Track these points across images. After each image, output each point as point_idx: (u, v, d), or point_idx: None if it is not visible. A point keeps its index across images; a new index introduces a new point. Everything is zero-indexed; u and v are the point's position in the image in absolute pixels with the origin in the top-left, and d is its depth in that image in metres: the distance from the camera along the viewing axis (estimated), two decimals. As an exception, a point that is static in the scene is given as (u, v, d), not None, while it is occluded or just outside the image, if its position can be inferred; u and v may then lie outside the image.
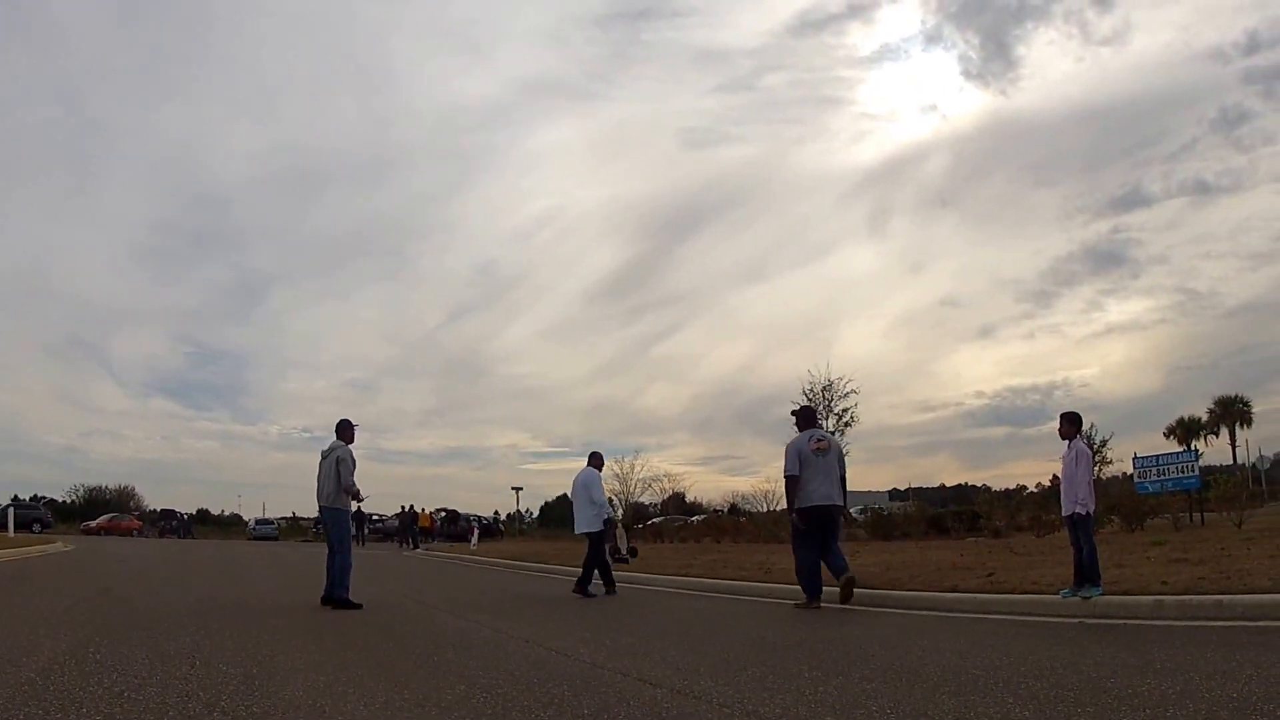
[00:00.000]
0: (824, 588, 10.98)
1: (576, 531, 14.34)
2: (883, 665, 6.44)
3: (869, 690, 5.46)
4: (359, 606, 10.74)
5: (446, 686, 5.66)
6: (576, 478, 14.42)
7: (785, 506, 11.86)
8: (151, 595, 12.46)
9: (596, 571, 14.04)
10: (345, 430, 11.59)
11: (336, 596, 10.88)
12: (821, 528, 11.04)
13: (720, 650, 7.42)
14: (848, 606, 10.76)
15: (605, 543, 14.20)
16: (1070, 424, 10.05)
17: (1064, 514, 9.96)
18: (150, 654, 6.74)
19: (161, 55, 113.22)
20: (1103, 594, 9.15)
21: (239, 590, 14.10)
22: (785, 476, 11.23)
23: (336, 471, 11.15)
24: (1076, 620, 8.65)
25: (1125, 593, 9.20)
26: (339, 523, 11.39)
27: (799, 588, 11.14)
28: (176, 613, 9.93)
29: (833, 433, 39.34)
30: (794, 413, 12.06)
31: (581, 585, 13.71)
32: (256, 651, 7.03)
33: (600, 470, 14.73)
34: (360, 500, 11.61)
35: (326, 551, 11.30)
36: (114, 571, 18.44)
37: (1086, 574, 9.38)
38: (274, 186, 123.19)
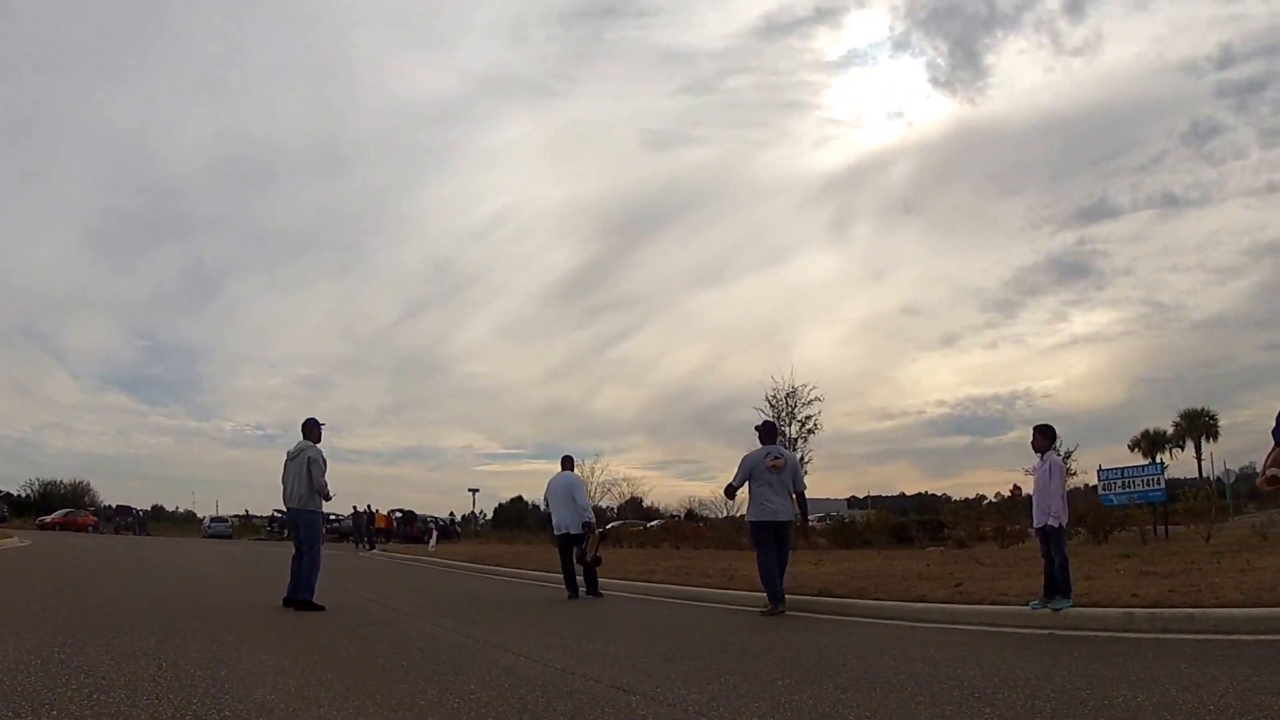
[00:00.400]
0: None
1: (557, 533, 14.40)
2: (855, 675, 6.42)
3: (844, 700, 5.43)
4: (322, 609, 10.59)
5: (418, 691, 5.58)
6: (554, 480, 14.55)
7: (744, 513, 12.31)
8: (112, 593, 12.24)
9: (564, 575, 14.29)
10: (313, 430, 11.40)
11: (300, 598, 10.72)
12: (769, 540, 11.29)
13: (691, 657, 7.38)
14: (803, 613, 11.04)
15: (583, 545, 14.27)
16: (1043, 436, 10.05)
17: (1035, 526, 9.95)
18: (116, 655, 6.60)
19: (113, 38, 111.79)
20: (1073, 606, 9.18)
21: (199, 589, 13.90)
22: (729, 485, 11.74)
23: (308, 472, 10.97)
24: (1046, 632, 8.68)
25: (1095, 605, 9.25)
26: (311, 525, 11.22)
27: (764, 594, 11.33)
28: (139, 612, 9.75)
29: (795, 439, 39.73)
30: (758, 427, 12.30)
31: (591, 586, 14.11)
32: (222, 653, 6.90)
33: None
34: (328, 499, 11.44)
35: (293, 552, 11.13)
36: (73, 568, 18.14)
37: (1058, 586, 9.39)
38: (227, 176, 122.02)
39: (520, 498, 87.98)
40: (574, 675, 6.36)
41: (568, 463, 14.96)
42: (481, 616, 11.07)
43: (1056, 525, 9.68)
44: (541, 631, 9.33)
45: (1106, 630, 8.44)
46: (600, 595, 13.93)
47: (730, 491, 11.77)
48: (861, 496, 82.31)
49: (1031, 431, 10.19)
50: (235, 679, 5.81)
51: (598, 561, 14.45)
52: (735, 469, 11.62)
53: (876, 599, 11.40)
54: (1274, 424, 5.92)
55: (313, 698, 5.27)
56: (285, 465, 11.19)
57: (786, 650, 7.89)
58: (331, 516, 54.97)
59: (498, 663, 6.97)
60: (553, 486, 14.51)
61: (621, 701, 5.38)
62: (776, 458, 11.50)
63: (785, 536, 11.54)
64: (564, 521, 14.18)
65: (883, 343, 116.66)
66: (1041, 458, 10.00)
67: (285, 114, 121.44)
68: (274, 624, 9.38)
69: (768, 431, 12.12)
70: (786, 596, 11.30)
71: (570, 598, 13.82)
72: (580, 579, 14.18)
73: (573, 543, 14.19)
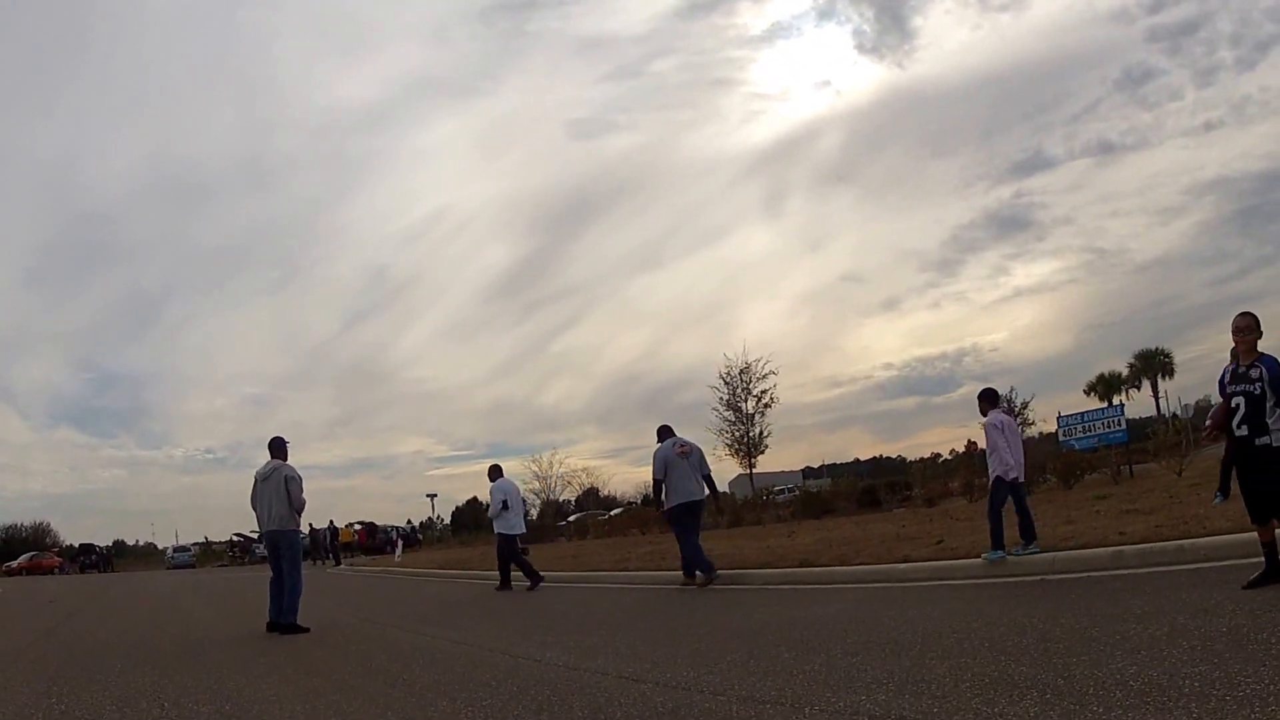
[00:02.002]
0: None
1: (515, 533, 15.51)
2: (860, 639, 6.42)
3: (856, 664, 5.43)
4: (307, 630, 10.41)
5: (429, 704, 5.50)
6: (506, 484, 15.70)
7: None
8: (97, 635, 11.95)
9: (503, 571, 15.39)
10: (280, 448, 11.14)
11: (285, 622, 10.51)
12: (689, 520, 12.60)
13: (690, 641, 7.33)
14: (788, 586, 11.38)
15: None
16: (983, 400, 10.84)
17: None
18: (115, 698, 6.43)
19: (31, 70, 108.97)
20: (1039, 551, 9.66)
21: (180, 623, 13.61)
22: (653, 480, 12.93)
23: (287, 491, 10.75)
24: (1038, 578, 8.76)
25: (1084, 546, 9.35)
26: (292, 545, 11.02)
27: (700, 571, 12.38)
28: (126, 651, 9.49)
29: (752, 414, 40.15)
30: (658, 430, 13.23)
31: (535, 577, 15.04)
32: (221, 687, 6.74)
33: None
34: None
35: (271, 575, 10.91)
36: (50, 612, 17.70)
37: (1024, 533, 10.03)
38: (157, 199, 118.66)
39: (476, 499, 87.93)
40: (579, 671, 6.30)
41: (499, 471, 15.86)
42: (468, 622, 10.98)
43: (1014, 477, 10.30)
44: (533, 630, 9.24)
45: (1098, 570, 8.52)
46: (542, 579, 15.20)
47: (658, 485, 12.71)
48: (816, 466, 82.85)
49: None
50: (241, 712, 5.69)
51: (526, 551, 16.21)
52: (656, 464, 12.68)
53: (860, 564, 11.48)
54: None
55: (325, 720, 5.18)
56: (256, 487, 10.92)
57: (784, 623, 7.89)
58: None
59: (499, 666, 6.89)
60: (510, 492, 15.60)
61: (635, 691, 5.33)
62: (683, 446, 12.72)
63: (700, 514, 12.97)
64: (520, 522, 15.71)
65: (825, 312, 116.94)
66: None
67: (211, 132, 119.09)
68: (265, 651, 9.19)
69: (665, 431, 13.07)
70: (764, 570, 12.46)
71: (503, 589, 15.02)
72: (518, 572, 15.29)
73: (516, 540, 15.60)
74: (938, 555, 10.93)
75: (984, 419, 10.63)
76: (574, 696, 5.31)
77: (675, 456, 12.53)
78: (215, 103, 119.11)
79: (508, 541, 15.32)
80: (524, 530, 15.73)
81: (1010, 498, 10.24)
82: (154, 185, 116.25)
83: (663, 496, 12.77)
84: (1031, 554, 9.77)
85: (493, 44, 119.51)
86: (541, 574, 15.15)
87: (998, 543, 9.91)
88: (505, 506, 15.17)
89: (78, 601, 21.67)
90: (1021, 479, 10.55)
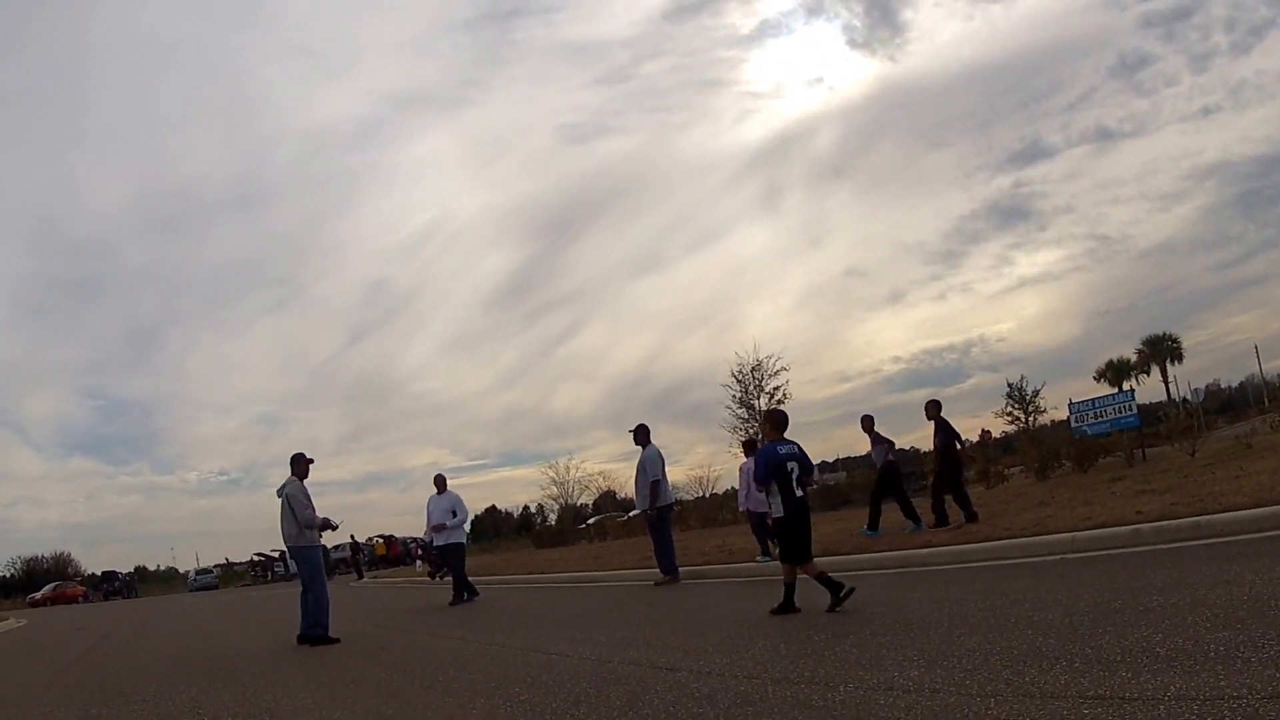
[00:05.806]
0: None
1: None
2: (887, 621, 6.52)
3: (886, 643, 5.52)
4: (337, 641, 10.47)
5: (467, 703, 5.58)
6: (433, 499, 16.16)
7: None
8: (128, 658, 11.99)
9: (456, 581, 15.99)
10: (296, 464, 11.09)
11: (314, 634, 10.59)
12: (670, 519, 14.06)
13: (718, 630, 7.47)
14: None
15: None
16: (746, 448, 14.01)
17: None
18: (155, 717, 6.52)
19: (20, 103, 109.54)
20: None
21: (209, 642, 13.67)
22: (652, 480, 13.55)
23: (290, 509, 10.84)
24: (1058, 557, 8.84)
25: (1101, 525, 9.41)
26: (310, 560, 11.02)
27: (671, 573, 13.39)
28: (160, 672, 9.54)
29: (763, 411, 40.40)
30: (633, 430, 13.93)
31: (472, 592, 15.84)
32: (259, 701, 6.78)
33: None
34: (333, 528, 11.35)
35: (302, 590, 10.97)
36: (80, 639, 17.76)
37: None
38: (152, 227, 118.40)
39: (494, 507, 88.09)
40: (612, 663, 6.39)
41: (442, 482, 16.11)
42: (497, 624, 11.05)
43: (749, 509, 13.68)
44: (561, 629, 9.34)
45: (1117, 548, 8.61)
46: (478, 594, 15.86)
47: (657, 485, 13.47)
48: (831, 460, 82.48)
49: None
50: (285, 722, 5.76)
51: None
52: (654, 464, 13.62)
53: (879, 551, 11.55)
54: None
55: (367, 727, 5.25)
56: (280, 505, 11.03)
57: (810, 610, 7.94)
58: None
59: (532, 664, 6.96)
60: (460, 501, 16.08)
61: (669, 680, 5.41)
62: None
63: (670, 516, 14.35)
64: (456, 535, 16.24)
65: (830, 308, 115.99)
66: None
67: (203, 158, 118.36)
68: (297, 663, 9.27)
69: (647, 432, 13.83)
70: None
71: (455, 603, 15.21)
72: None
73: (455, 551, 15.98)
74: (956, 540, 11.01)
75: (744, 460, 13.20)
76: (610, 687, 5.40)
77: (660, 460, 13.68)
78: (204, 127, 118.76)
79: (440, 551, 16.38)
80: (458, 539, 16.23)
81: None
82: (147, 213, 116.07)
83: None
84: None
85: (479, 54, 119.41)
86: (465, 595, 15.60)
87: (765, 549, 13.03)
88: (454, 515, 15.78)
89: (105, 627, 21.77)
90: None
